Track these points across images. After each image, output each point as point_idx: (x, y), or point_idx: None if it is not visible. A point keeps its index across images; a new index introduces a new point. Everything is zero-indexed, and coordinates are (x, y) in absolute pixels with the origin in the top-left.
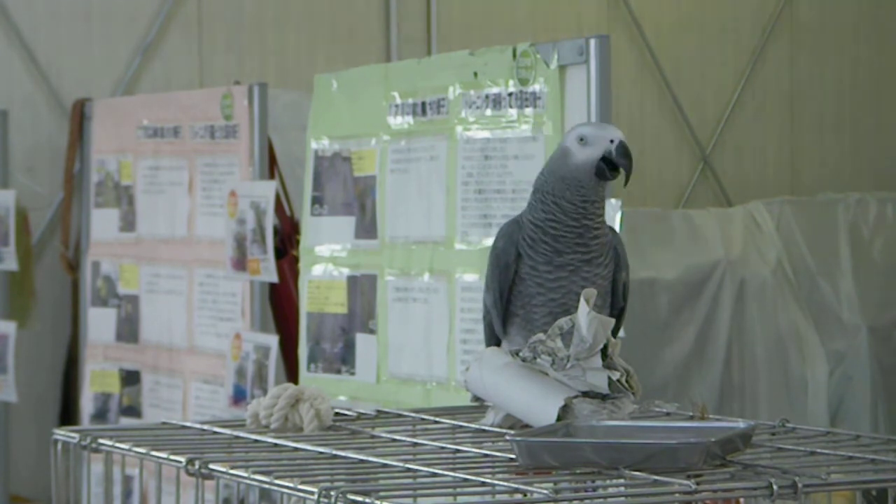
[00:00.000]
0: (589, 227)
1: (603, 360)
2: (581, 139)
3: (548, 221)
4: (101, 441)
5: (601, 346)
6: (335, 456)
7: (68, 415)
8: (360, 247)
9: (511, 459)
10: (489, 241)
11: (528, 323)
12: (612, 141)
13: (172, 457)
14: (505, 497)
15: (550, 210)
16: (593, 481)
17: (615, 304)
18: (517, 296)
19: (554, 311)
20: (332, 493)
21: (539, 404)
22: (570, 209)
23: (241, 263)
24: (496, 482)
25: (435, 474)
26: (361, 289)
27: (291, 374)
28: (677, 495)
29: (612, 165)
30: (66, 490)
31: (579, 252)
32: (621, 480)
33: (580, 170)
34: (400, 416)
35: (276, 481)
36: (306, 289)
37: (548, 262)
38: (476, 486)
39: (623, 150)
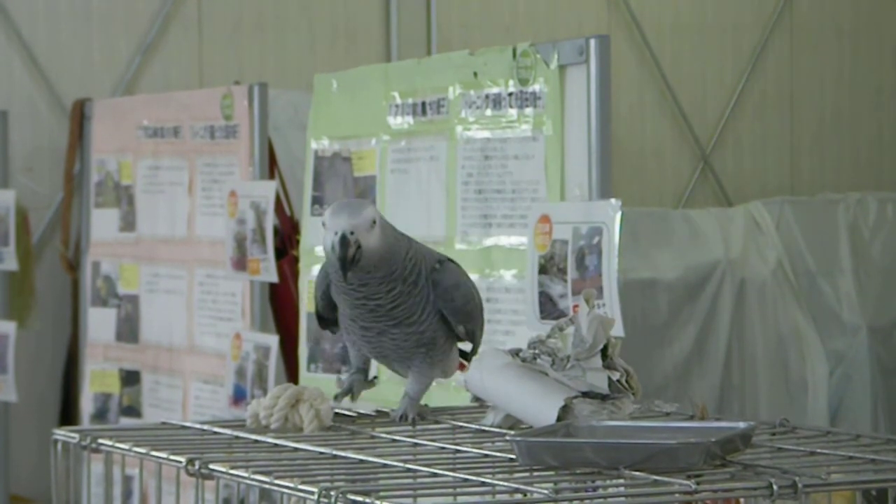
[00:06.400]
0: (376, 306)
1: (603, 360)
2: (323, 223)
3: (339, 292)
4: (101, 441)
5: (601, 346)
6: (335, 456)
7: (68, 415)
8: None
9: (511, 460)
10: (489, 241)
11: (354, 344)
12: (336, 233)
13: (172, 457)
14: (505, 497)
15: (334, 281)
16: (593, 481)
17: (446, 349)
18: (341, 325)
19: (374, 353)
20: (332, 493)
21: (539, 405)
22: (342, 287)
23: (241, 263)
24: (496, 482)
25: (435, 474)
26: None
27: (291, 374)
28: (677, 495)
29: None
30: (66, 490)
31: (381, 322)
32: (621, 480)
33: (328, 255)
34: None
35: (276, 481)
36: (306, 289)
37: (352, 321)
38: (476, 487)
39: (340, 242)
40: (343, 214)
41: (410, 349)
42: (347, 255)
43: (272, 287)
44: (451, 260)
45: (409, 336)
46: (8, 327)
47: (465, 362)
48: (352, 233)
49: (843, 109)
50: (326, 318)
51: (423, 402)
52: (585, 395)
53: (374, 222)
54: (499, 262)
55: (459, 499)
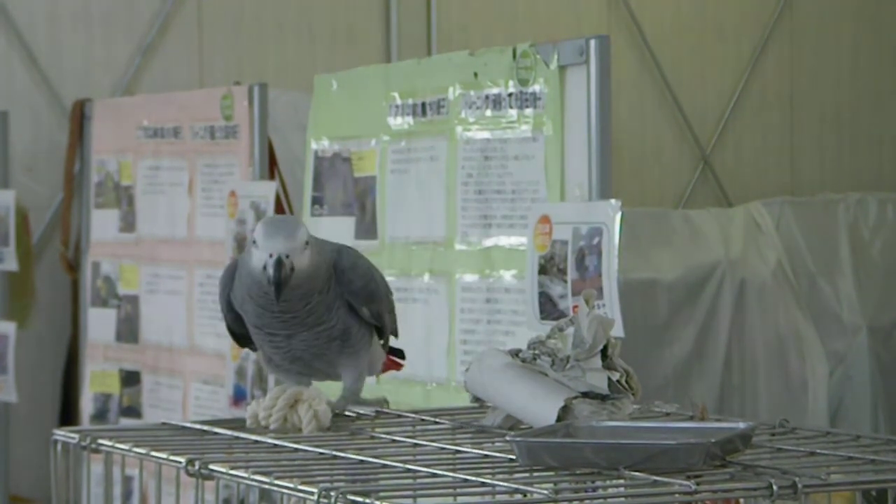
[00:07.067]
0: (291, 317)
1: (603, 360)
2: (255, 241)
3: (247, 302)
4: (100, 441)
5: (601, 346)
6: (335, 456)
7: (68, 415)
8: (359, 247)
9: (511, 460)
10: (489, 242)
11: (270, 360)
12: (270, 255)
13: (172, 457)
14: (505, 497)
15: (247, 293)
16: (593, 482)
17: (361, 336)
18: (251, 335)
19: (287, 358)
20: (332, 493)
21: (539, 405)
22: (262, 304)
23: None
24: (496, 483)
25: (435, 475)
26: None
27: None
28: (677, 496)
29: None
30: (66, 490)
31: (291, 329)
32: (621, 481)
33: (255, 273)
34: (399, 416)
35: (276, 482)
36: None
37: (258, 329)
38: (476, 487)
39: (275, 265)
40: (279, 236)
41: (323, 345)
42: (282, 279)
43: None
44: (348, 247)
45: (319, 334)
46: (8, 327)
47: (396, 360)
48: (287, 256)
49: (843, 109)
50: (238, 333)
51: (383, 396)
52: (585, 395)
53: (307, 244)
54: (499, 262)
55: (459, 499)
